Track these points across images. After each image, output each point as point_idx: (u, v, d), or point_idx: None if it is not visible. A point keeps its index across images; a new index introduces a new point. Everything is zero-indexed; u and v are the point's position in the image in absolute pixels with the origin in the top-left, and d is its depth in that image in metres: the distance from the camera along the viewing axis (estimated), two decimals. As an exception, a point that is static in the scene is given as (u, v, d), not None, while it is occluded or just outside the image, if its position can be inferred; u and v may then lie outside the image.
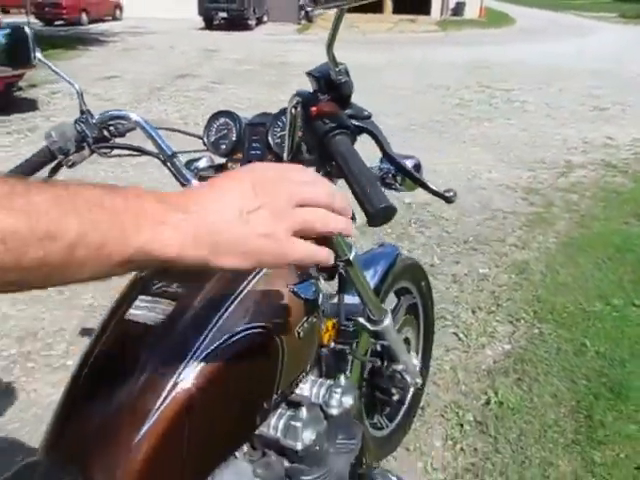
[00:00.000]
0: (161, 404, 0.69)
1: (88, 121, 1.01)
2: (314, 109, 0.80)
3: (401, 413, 1.75)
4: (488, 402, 1.93)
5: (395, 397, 1.55)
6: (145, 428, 0.67)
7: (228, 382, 0.77)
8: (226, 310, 0.80)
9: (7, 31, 1.05)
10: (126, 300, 0.82)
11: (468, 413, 1.89)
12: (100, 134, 1.04)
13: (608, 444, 1.74)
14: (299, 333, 0.88)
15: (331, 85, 0.82)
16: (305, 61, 9.14)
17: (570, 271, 2.79)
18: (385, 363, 1.53)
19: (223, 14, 14.55)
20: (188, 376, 0.72)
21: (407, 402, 1.77)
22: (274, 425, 0.88)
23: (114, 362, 0.75)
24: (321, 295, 0.97)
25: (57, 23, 14.92)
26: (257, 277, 0.87)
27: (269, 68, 8.39)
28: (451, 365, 2.12)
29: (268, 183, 0.52)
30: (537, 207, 3.66)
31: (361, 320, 1.32)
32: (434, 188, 0.91)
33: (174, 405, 0.69)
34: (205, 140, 1.17)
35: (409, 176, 0.93)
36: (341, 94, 0.82)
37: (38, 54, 1.02)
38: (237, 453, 0.86)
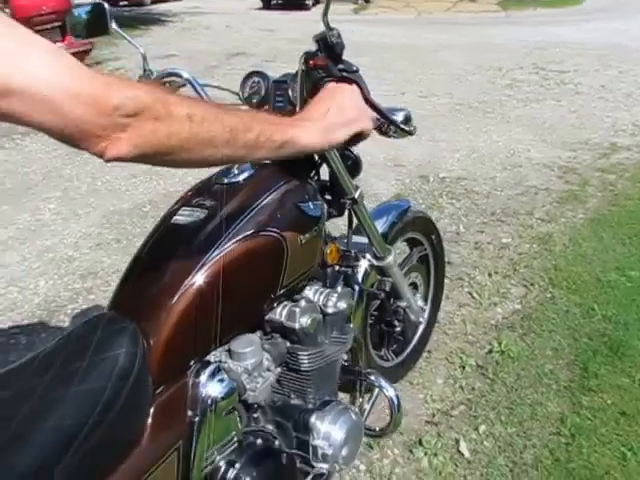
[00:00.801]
0: (192, 279, 0.97)
1: (149, 77, 1.26)
2: (311, 62, 1.06)
3: (407, 351, 1.97)
4: (491, 351, 2.12)
5: (397, 329, 1.77)
6: (179, 293, 0.95)
7: (244, 268, 1.04)
8: (245, 217, 1.07)
9: (88, 8, 1.32)
10: (172, 211, 1.11)
11: (471, 358, 2.08)
12: None
13: (598, 392, 1.89)
14: (301, 241, 1.12)
15: (326, 45, 1.07)
16: (358, 41, 9.25)
17: (592, 244, 2.88)
18: (391, 300, 1.76)
19: (281, -6, 14.82)
20: (212, 261, 0.99)
21: (413, 341, 1.99)
22: (279, 312, 1.13)
23: (161, 249, 1.04)
24: (323, 214, 1.21)
25: (122, 4, 15.55)
26: (272, 194, 1.12)
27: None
28: (462, 319, 2.31)
29: (347, 100, 0.97)
30: (571, 185, 3.72)
31: (367, 255, 1.56)
32: (401, 126, 1.14)
33: (201, 280, 0.97)
34: (240, 95, 1.41)
35: (384, 117, 1.15)
36: (334, 52, 1.07)
37: (113, 25, 1.29)
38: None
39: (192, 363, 0.97)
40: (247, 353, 1.03)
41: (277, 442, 1.16)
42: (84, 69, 0.65)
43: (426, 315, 2.05)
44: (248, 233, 1.04)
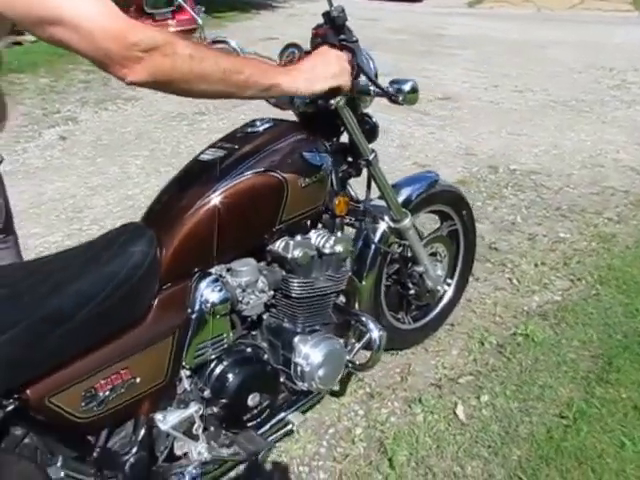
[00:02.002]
0: (203, 202, 1.18)
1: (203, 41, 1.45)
2: (314, 31, 1.24)
3: (426, 319, 2.05)
4: (515, 333, 2.13)
5: (411, 292, 1.87)
6: (192, 212, 1.17)
7: (248, 198, 1.23)
8: (254, 158, 1.27)
9: None
10: (202, 151, 1.34)
11: (492, 336, 2.11)
12: None
13: (615, 385, 1.86)
14: (301, 185, 1.30)
15: (329, 18, 1.24)
16: (464, 34, 9.10)
17: (658, 250, 2.74)
18: (409, 264, 1.85)
19: (395, -15, 14.75)
20: (221, 190, 1.19)
21: (434, 311, 2.06)
22: (278, 244, 1.32)
23: (185, 178, 1.28)
24: (327, 166, 1.35)
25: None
26: (282, 143, 1.30)
27: (423, 39, 8.51)
28: (494, 301, 2.33)
29: (333, 58, 1.16)
30: (656, 190, 3.50)
31: (385, 217, 1.68)
32: (391, 96, 1.30)
33: (211, 204, 1.17)
34: (278, 62, 1.58)
35: (374, 84, 1.29)
36: (335, 24, 1.25)
37: None
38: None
39: (196, 271, 1.18)
40: (243, 271, 1.22)
41: (266, 356, 1.33)
42: (116, 11, 0.87)
43: (451, 289, 2.12)
44: (255, 171, 1.24)
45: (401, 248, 1.78)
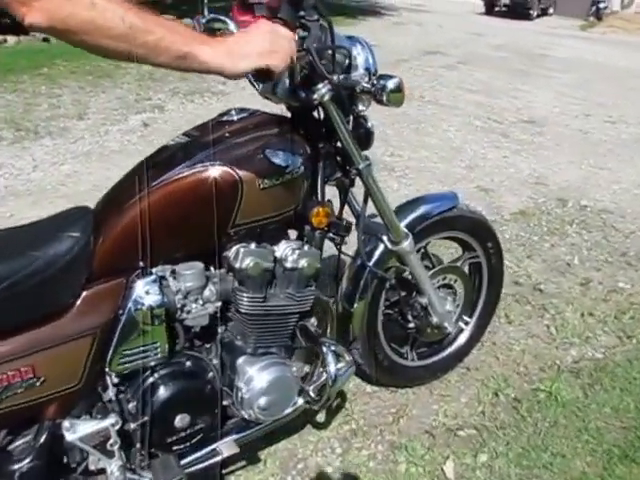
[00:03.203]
0: (146, 191, 1.09)
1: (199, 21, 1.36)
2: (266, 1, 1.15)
3: (435, 357, 1.89)
4: (538, 389, 1.90)
5: (410, 325, 1.71)
6: (135, 202, 1.09)
7: (194, 192, 1.13)
8: (211, 149, 1.16)
9: None
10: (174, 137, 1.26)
11: (510, 389, 1.90)
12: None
13: (641, 467, 1.60)
14: (260, 185, 1.18)
15: None
16: (568, 57, 8.56)
17: None
18: (413, 294, 1.71)
19: (506, 0, 14.20)
20: (167, 180, 1.12)
21: (446, 350, 1.89)
22: (232, 250, 1.20)
23: (146, 165, 1.18)
24: (296, 169, 1.23)
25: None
26: (247, 136, 1.20)
27: (525, 58, 8.08)
28: (523, 348, 2.11)
29: (268, 34, 0.99)
30: None
31: (384, 237, 1.54)
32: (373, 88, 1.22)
33: (153, 194, 1.10)
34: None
35: (319, 71, 1.16)
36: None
37: None
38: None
39: (136, 268, 1.10)
40: (187, 275, 1.13)
41: (211, 374, 1.22)
42: None
43: (469, 328, 1.94)
44: (207, 163, 1.13)
45: (398, 271, 1.64)
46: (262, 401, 1.22)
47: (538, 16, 14.92)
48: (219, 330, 1.27)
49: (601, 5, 16.23)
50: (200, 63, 0.91)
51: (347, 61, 1.30)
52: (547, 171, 3.81)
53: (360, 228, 1.48)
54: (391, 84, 1.27)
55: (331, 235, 1.40)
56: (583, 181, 3.68)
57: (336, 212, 1.40)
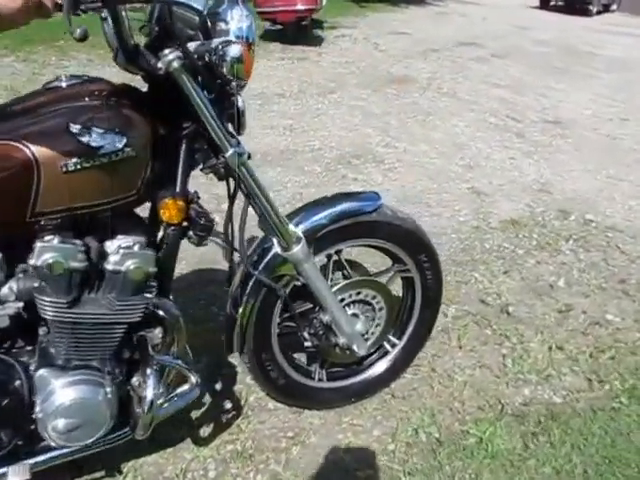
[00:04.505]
0: None
1: None
2: None
3: (348, 380, 1.63)
4: (468, 432, 1.61)
5: (307, 344, 1.46)
6: None
7: None
8: (11, 122, 0.95)
9: None
10: None
11: (435, 427, 1.61)
12: None
13: None
14: (63, 168, 0.94)
15: None
16: (619, 57, 7.91)
17: None
18: (316, 309, 1.45)
19: (564, -5, 13.36)
20: None
21: (362, 374, 1.64)
22: (35, 245, 0.98)
23: None
24: (111, 151, 0.99)
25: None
26: (58, 108, 0.97)
27: (567, 55, 7.50)
28: (466, 380, 1.80)
29: None
30: None
31: (274, 240, 1.29)
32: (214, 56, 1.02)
33: None
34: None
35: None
36: None
37: None
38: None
39: None
40: None
41: (18, 382, 1.04)
42: None
43: (395, 351, 1.66)
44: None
45: (291, 281, 1.38)
46: (59, 423, 1.00)
47: (599, 12, 13.96)
48: (40, 332, 1.06)
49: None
50: None
51: (208, 24, 1.06)
52: (556, 178, 3.41)
53: (240, 228, 1.24)
54: (231, 52, 1.02)
55: (190, 234, 1.17)
56: (595, 192, 3.27)
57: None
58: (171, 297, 1.29)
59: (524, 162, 3.60)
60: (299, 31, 6.37)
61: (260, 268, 1.32)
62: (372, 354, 1.64)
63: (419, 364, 1.82)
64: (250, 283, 1.33)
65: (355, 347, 1.46)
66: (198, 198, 1.19)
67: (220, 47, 1.04)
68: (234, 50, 1.02)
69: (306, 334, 1.43)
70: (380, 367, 1.65)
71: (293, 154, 3.26)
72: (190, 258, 2.14)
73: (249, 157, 1.20)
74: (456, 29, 8.85)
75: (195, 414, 1.56)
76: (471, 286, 2.28)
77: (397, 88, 4.70)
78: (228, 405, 1.59)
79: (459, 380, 1.80)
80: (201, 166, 1.19)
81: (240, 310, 1.34)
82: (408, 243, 1.50)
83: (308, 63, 5.48)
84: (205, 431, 1.52)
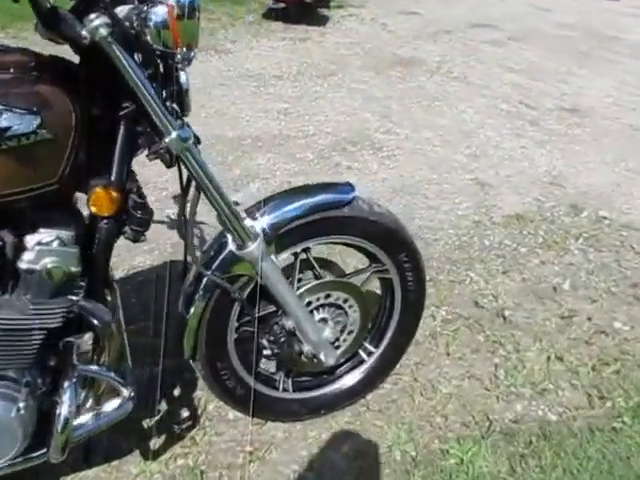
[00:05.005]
0: None
1: None
2: None
3: (317, 391, 1.48)
4: (447, 451, 1.46)
5: (266, 352, 1.32)
6: None
7: None
8: None
9: None
10: None
11: (411, 445, 1.46)
12: None
13: None
14: None
15: None
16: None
17: None
18: (279, 313, 1.30)
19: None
20: None
21: (331, 384, 1.49)
22: None
23: None
24: (23, 129, 0.85)
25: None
26: None
27: (592, 39, 7.14)
28: (451, 391, 1.65)
29: None
30: None
31: (229, 237, 1.15)
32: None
33: None
34: None
35: None
36: None
37: None
38: None
39: None
40: None
41: None
42: None
43: (372, 360, 1.50)
44: None
45: (248, 283, 1.23)
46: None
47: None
48: None
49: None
50: None
51: None
52: (570, 170, 3.19)
53: (188, 223, 1.10)
54: (154, 15, 0.86)
55: (126, 228, 1.03)
56: (611, 187, 3.05)
57: None
58: (110, 299, 1.16)
59: (536, 152, 3.38)
60: (303, 10, 6.09)
61: (213, 267, 1.17)
62: (345, 362, 1.49)
63: (400, 372, 1.67)
64: (202, 283, 1.19)
65: (322, 356, 1.31)
66: (139, 188, 1.05)
67: (145, 10, 0.88)
68: (158, 13, 0.86)
69: (265, 341, 1.27)
70: (354, 377, 1.50)
71: (285, 140, 3.08)
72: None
73: (198, 142, 1.04)
74: (470, 9, 8.48)
75: (147, 422, 1.43)
76: (465, 286, 2.11)
77: (403, 71, 4.47)
78: (184, 414, 1.46)
79: (444, 392, 1.64)
80: (146, 151, 1.04)
81: (191, 312, 1.20)
82: (386, 241, 1.33)
83: (310, 44, 5.25)
84: (156, 442, 1.39)
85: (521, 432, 1.54)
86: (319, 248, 1.63)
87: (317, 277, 1.34)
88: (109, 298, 1.14)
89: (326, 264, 1.41)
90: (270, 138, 3.08)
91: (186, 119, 1.05)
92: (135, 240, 1.04)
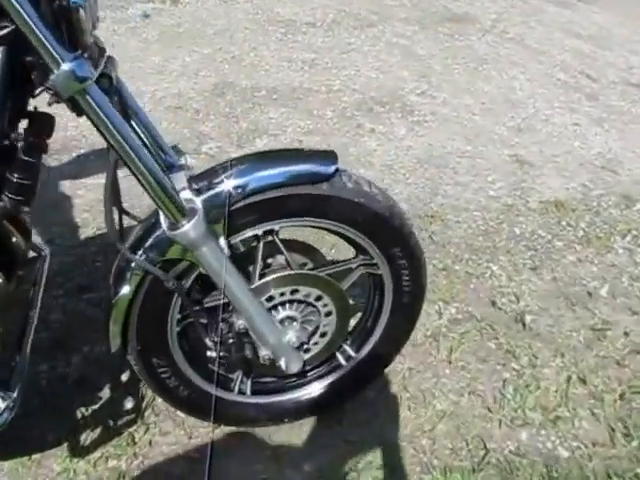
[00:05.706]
0: None
1: None
2: None
3: (281, 396, 1.26)
4: (431, 464, 1.22)
5: (210, 354, 1.09)
6: None
7: None
8: None
9: None
10: None
11: (377, 471, 1.23)
12: None
13: None
14: None
15: None
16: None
17: None
18: (230, 308, 1.07)
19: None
20: None
21: (300, 389, 1.26)
22: None
23: None
24: None
25: None
26: None
27: None
28: (445, 408, 1.40)
29: None
30: None
31: (160, 214, 0.91)
32: None
33: None
34: None
35: None
36: None
37: None
38: None
39: None
40: None
41: None
42: None
43: (350, 365, 1.26)
44: None
45: (188, 270, 1.00)
46: None
47: None
48: None
49: None
50: None
51: None
52: (626, 154, 2.79)
53: (108, 196, 0.87)
54: None
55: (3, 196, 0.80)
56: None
57: None
58: None
59: (590, 130, 2.97)
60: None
61: (141, 250, 0.94)
62: (319, 366, 1.26)
63: (389, 379, 1.43)
64: (129, 270, 0.96)
65: (282, 362, 1.08)
66: (34, 140, 0.81)
67: None
68: None
69: (209, 341, 1.04)
70: (327, 383, 1.26)
71: (305, 94, 2.78)
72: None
73: (110, 83, 0.79)
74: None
75: (83, 411, 1.24)
76: (484, 281, 1.82)
77: (452, 28, 4.02)
78: (128, 405, 1.27)
79: (437, 408, 1.40)
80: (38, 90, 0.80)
81: (116, 299, 0.98)
82: (374, 230, 1.07)
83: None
84: (88, 436, 1.21)
85: (521, 468, 1.29)
86: (303, 232, 1.38)
87: (290, 266, 1.10)
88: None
89: (306, 251, 1.16)
90: (288, 91, 2.78)
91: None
92: (16, 213, 0.81)
